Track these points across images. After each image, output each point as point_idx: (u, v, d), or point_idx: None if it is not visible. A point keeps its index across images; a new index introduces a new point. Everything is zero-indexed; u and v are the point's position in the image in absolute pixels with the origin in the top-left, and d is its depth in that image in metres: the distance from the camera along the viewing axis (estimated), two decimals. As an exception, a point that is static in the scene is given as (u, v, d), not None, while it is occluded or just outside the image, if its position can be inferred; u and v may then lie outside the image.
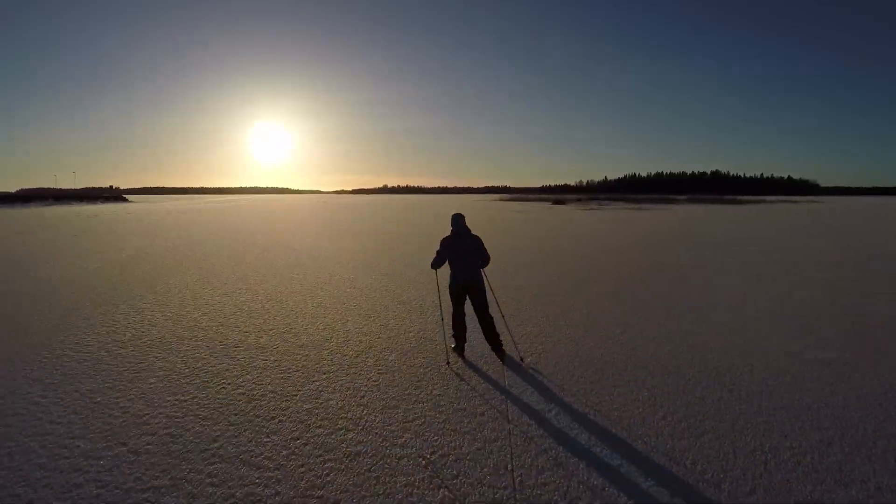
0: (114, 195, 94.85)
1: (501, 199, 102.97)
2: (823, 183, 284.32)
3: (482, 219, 33.08)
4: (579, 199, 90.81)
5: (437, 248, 5.39)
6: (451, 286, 5.24)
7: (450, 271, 5.27)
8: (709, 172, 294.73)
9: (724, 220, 33.20)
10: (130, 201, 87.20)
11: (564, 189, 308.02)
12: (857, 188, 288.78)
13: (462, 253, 5.21)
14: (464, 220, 5.39)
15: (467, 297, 5.25)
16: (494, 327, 5.32)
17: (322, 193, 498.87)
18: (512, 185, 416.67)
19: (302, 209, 54.21)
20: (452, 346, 5.51)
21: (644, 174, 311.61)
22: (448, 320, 5.49)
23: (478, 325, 5.42)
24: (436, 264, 5.42)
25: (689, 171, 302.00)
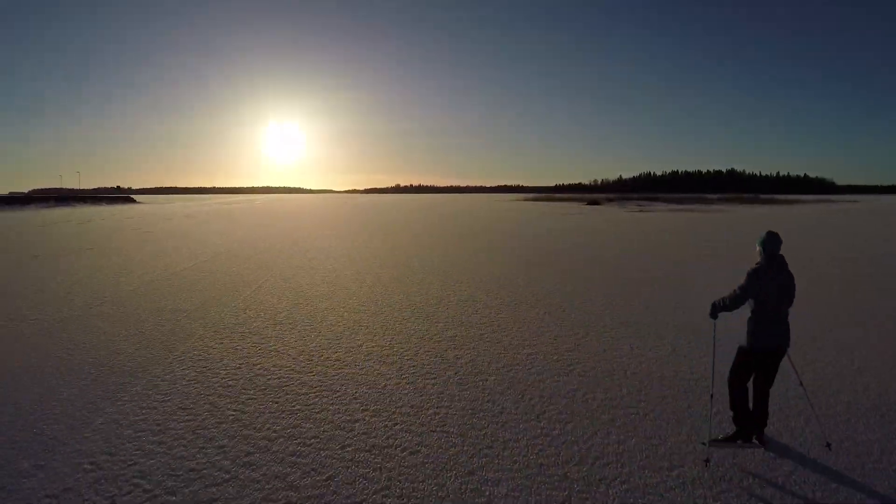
0: (121, 195, 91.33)
1: (527, 200, 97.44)
2: (839, 181, 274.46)
3: (545, 222, 28.13)
4: (611, 200, 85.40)
5: (741, 282, 3.36)
6: (750, 347, 3.36)
7: (750, 323, 3.38)
8: (724, 171, 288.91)
9: (805, 221, 27.89)
10: (138, 202, 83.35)
11: (579, 188, 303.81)
12: (875, 186, 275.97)
13: (778, 297, 3.30)
14: (780, 245, 3.35)
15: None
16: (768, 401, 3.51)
17: (334, 193, 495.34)
18: (525, 185, 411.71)
19: (327, 210, 49.58)
20: (720, 437, 3.53)
21: (659, 173, 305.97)
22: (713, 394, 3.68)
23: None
24: (727, 306, 3.44)
25: (703, 170, 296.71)
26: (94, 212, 47.30)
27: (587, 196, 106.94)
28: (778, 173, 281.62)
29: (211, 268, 11.88)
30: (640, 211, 47.37)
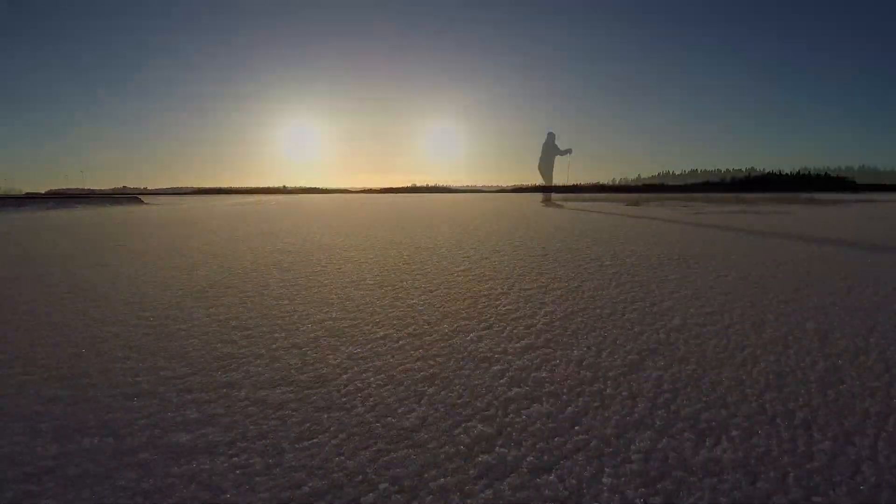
0: (128, 195, 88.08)
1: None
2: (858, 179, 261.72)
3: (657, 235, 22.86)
4: (648, 200, 79.48)
5: None
6: None
7: None
8: (744, 169, 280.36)
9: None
10: (145, 203, 79.25)
11: (597, 188, 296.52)
12: (894, 185, 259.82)
13: None
14: None
15: None
16: None
17: (350, 192, 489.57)
18: (541, 185, 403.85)
19: (348, 213, 44.55)
20: None
21: (677, 172, 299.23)
22: None
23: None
24: None
25: (723, 168, 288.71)
26: (84, 215, 42.73)
27: (617, 196, 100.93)
28: (798, 171, 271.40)
29: (165, 333, 6.98)
30: (697, 213, 41.67)
